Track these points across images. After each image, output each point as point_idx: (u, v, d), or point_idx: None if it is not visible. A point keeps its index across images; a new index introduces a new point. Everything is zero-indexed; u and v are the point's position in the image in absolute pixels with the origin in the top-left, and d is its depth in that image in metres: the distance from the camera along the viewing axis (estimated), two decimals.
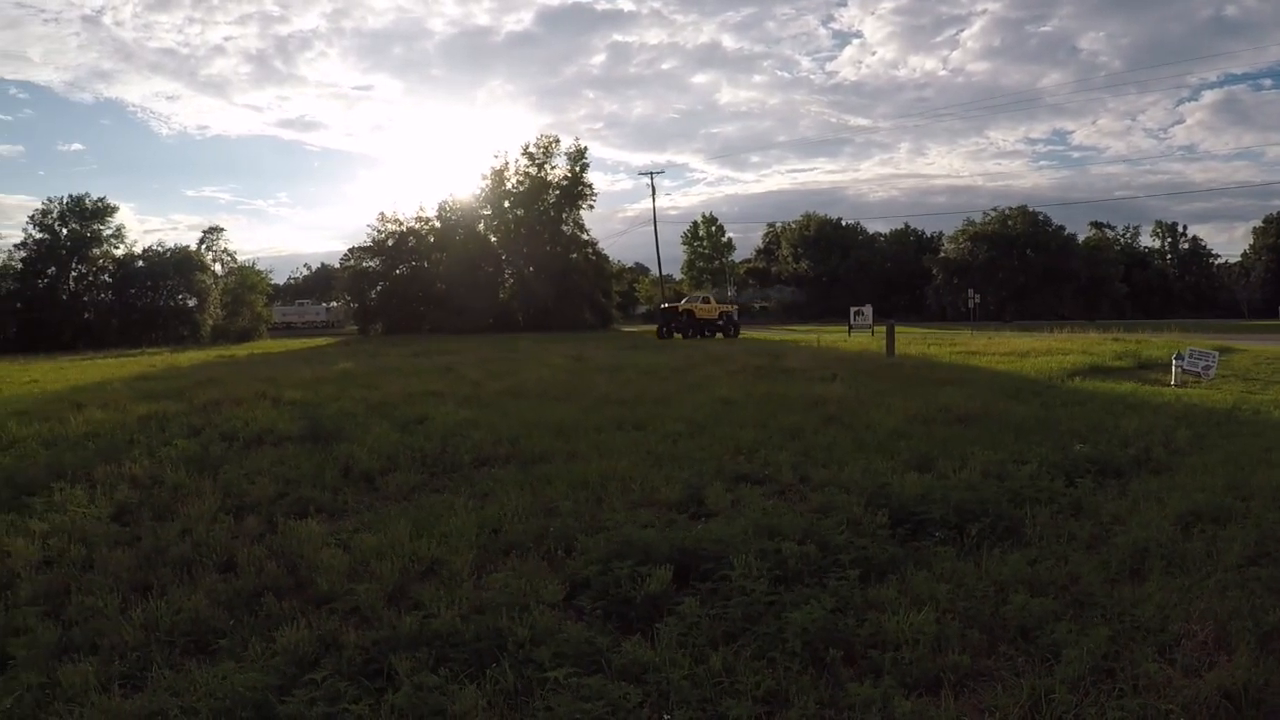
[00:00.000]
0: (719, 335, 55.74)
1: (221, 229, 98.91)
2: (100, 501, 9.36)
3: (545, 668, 5.02)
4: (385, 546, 7.36)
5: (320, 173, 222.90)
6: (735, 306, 66.02)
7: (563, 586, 6.33)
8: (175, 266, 78.59)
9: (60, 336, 66.23)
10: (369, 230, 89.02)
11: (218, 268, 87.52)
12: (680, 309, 59.19)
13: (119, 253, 78.08)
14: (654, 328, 59.81)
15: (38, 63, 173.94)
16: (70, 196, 76.21)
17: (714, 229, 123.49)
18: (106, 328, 71.21)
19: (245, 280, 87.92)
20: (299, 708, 4.67)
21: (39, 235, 74.59)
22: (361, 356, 36.61)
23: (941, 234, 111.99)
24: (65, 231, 74.88)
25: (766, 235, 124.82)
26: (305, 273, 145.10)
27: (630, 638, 5.51)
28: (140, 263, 78.54)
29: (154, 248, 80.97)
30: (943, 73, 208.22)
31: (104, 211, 77.29)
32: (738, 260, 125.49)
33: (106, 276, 77.21)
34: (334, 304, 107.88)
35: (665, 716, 4.61)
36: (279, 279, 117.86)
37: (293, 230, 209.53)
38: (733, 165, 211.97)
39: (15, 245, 74.31)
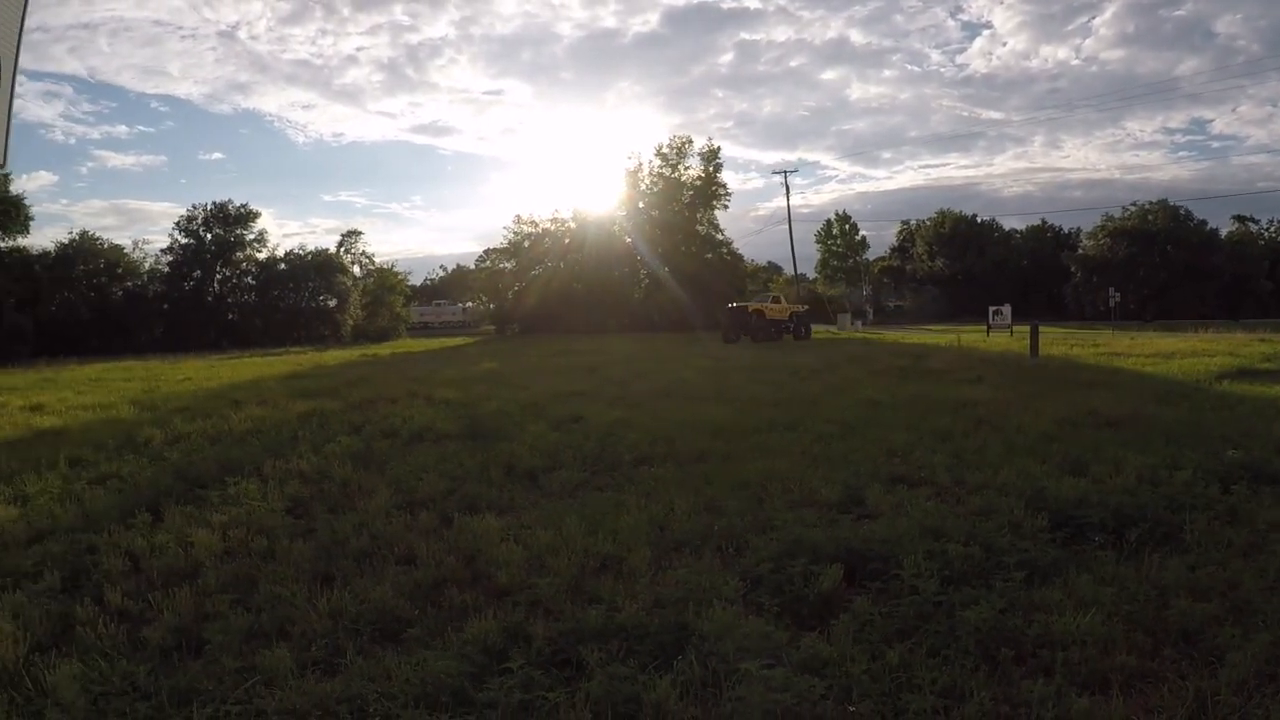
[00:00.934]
0: (788, 337, 52.88)
1: (359, 232, 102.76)
2: (273, 495, 9.74)
3: (730, 660, 5.08)
4: (560, 542, 7.49)
5: (454, 176, 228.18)
6: (806, 307, 61.37)
7: (739, 583, 6.37)
8: (316, 269, 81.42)
9: (205, 336, 69.20)
10: (505, 232, 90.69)
11: (357, 270, 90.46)
12: (750, 309, 55.04)
13: (261, 256, 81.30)
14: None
15: (177, 77, 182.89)
16: (213, 203, 79.77)
17: (847, 227, 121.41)
18: (250, 327, 74.16)
19: (384, 281, 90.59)
20: (496, 694, 4.78)
21: (184, 240, 78.22)
22: (503, 356, 37.33)
23: (1079, 230, 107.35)
24: (209, 237, 78.39)
25: (900, 233, 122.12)
26: (441, 274, 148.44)
27: (807, 633, 5.58)
28: (282, 265, 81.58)
29: (295, 251, 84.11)
30: (1075, 62, 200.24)
31: (246, 217, 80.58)
32: (871, 259, 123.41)
33: (249, 279, 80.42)
34: (469, 304, 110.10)
35: (850, 708, 4.66)
36: (415, 280, 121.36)
37: (428, 232, 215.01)
38: (864, 162, 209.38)
39: (162, 250, 78.10)
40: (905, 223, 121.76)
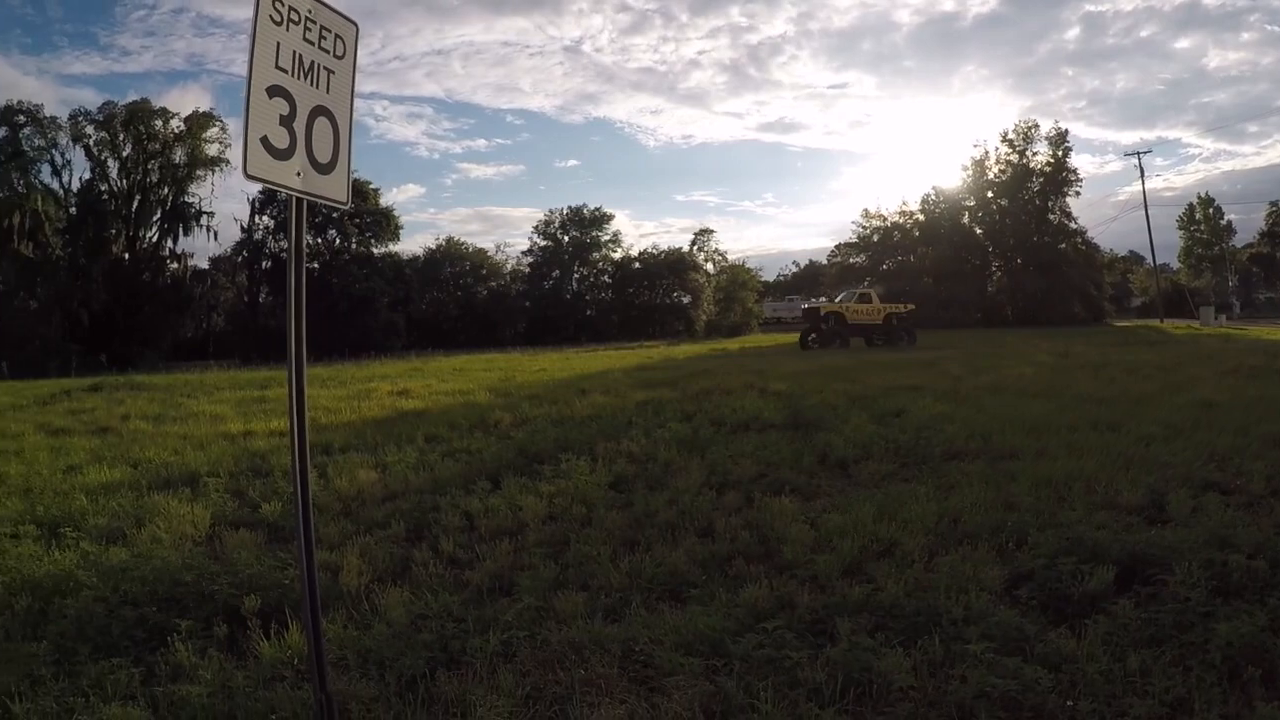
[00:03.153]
0: (879, 342, 45.92)
1: (711, 230, 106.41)
2: (600, 472, 10.69)
3: (972, 644, 5.26)
4: (849, 526, 7.85)
5: (803, 172, 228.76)
6: (910, 306, 50.96)
7: (1005, 576, 6.50)
8: (669, 267, 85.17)
9: (564, 331, 74.24)
10: (853, 226, 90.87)
11: (709, 267, 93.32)
12: (823, 311, 48.21)
13: (617, 256, 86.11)
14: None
15: (529, 92, 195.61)
16: (569, 207, 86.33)
17: (1210, 211, 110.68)
18: (607, 323, 78.76)
19: (736, 278, 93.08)
20: (747, 648, 5.32)
21: (543, 243, 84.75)
22: (846, 350, 37.42)
23: None
24: (566, 239, 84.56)
25: (1270, 216, 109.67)
26: (794, 269, 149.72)
27: (1057, 629, 5.62)
28: (637, 264, 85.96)
29: (649, 250, 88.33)
30: None
31: (601, 219, 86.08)
32: (1239, 245, 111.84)
33: (606, 277, 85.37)
34: (822, 299, 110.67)
35: (1069, 703, 4.70)
36: (768, 276, 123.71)
37: (779, 229, 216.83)
38: (1229, 137, 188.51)
39: (523, 252, 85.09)
40: (1274, 204, 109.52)
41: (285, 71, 4.18)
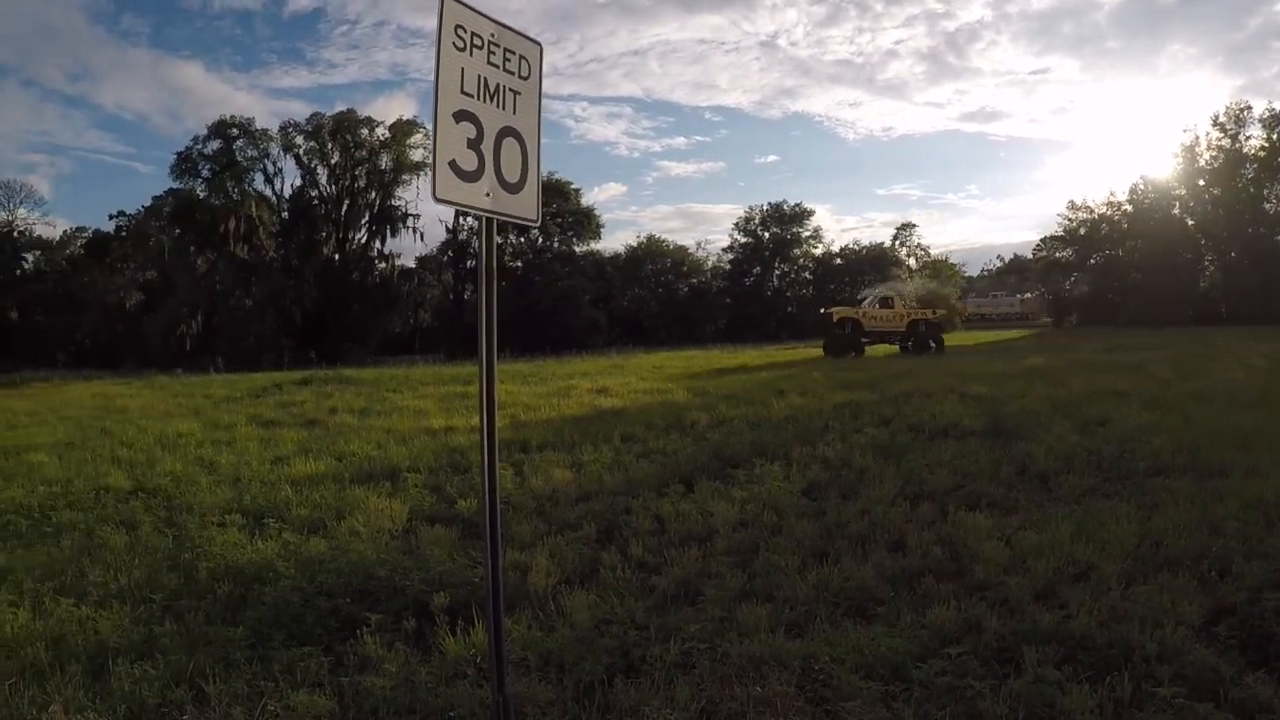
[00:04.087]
0: (908, 347, 43.18)
1: (913, 225, 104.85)
2: (794, 478, 10.69)
3: (1161, 684, 5.00)
4: (1044, 545, 7.56)
5: (1006, 162, 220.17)
6: (941, 312, 47.95)
7: (1205, 609, 6.10)
8: (871, 263, 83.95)
9: (764, 328, 74.18)
10: (1059, 219, 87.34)
11: (911, 262, 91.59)
12: (836, 317, 44.92)
13: (818, 252, 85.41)
14: None
15: (726, 88, 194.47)
16: (769, 204, 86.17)
17: None
18: (808, 319, 77.87)
19: (938, 273, 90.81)
20: (929, 675, 5.21)
21: (743, 239, 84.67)
22: (1051, 350, 36.07)
23: None
24: (767, 235, 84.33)
25: None
26: (998, 264, 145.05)
27: (1256, 672, 5.22)
28: (838, 260, 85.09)
29: (850, 246, 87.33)
30: None
31: (801, 215, 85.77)
32: None
33: (806, 274, 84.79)
34: (1027, 295, 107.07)
35: None
36: (971, 271, 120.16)
37: (983, 222, 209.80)
38: None
39: (724, 248, 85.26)
40: None
41: (471, 96, 4.33)
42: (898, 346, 43.98)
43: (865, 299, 48.59)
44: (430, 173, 4.20)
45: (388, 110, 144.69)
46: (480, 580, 6.83)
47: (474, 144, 4.32)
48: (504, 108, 4.54)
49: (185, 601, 7.10)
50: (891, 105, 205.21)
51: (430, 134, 4.20)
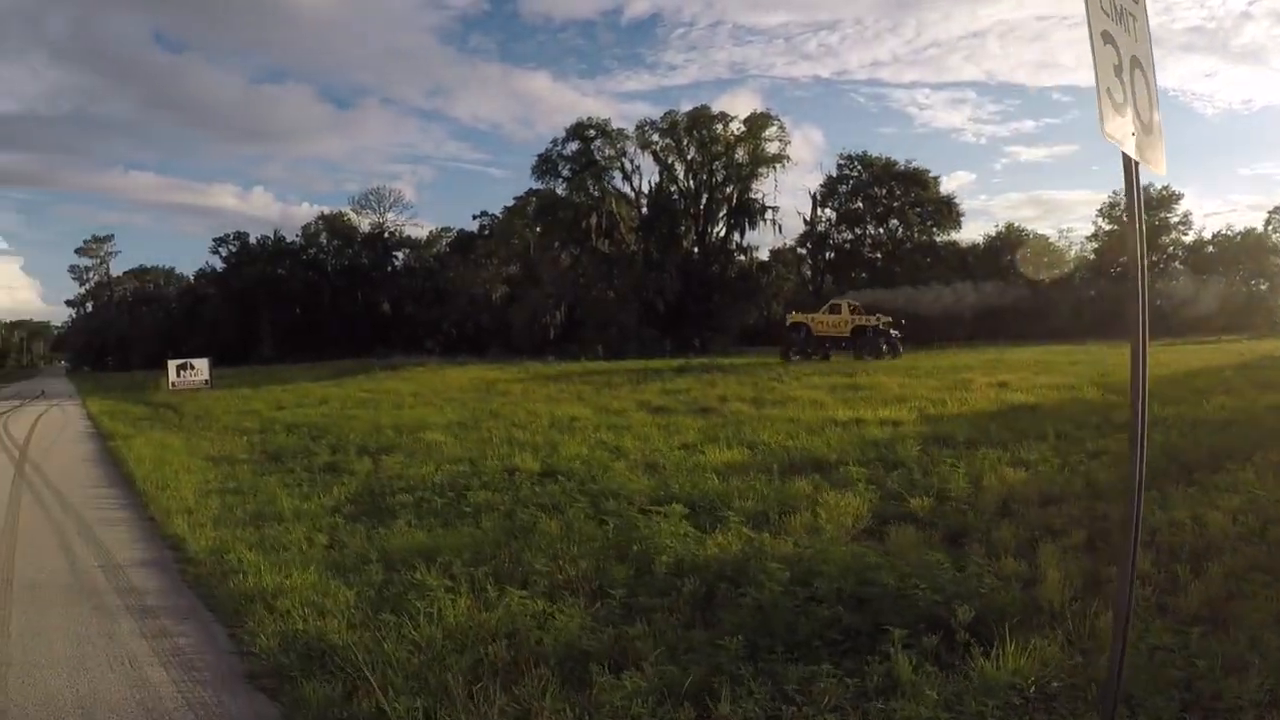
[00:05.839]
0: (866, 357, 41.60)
1: None
2: (1269, 485, 9.22)
3: None
4: None
5: None
6: (887, 319, 45.97)
7: None
8: (1247, 250, 76.20)
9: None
10: None
11: None
12: (791, 321, 47.48)
13: (1188, 239, 78.47)
14: None
15: (1071, 66, 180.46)
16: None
17: None
18: (1180, 313, 71.67)
19: None
20: None
21: (1108, 226, 78.30)
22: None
23: None
24: None
25: None
26: None
27: None
28: (1210, 248, 77.84)
29: (1224, 232, 79.48)
30: None
31: (1168, 199, 78.29)
32: None
33: (1176, 264, 77.99)
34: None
35: None
36: None
37: None
38: None
39: (1087, 237, 79.40)
40: None
41: (1109, 16, 3.50)
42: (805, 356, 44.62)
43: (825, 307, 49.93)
44: (1095, 103, 3.37)
45: (732, 108, 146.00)
46: (990, 592, 6.11)
47: (1118, 72, 3.47)
48: (1130, 33, 3.69)
49: (644, 598, 6.66)
50: (1249, 73, 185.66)
51: (1093, 70, 3.36)
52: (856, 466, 11.01)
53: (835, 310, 47.45)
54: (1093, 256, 77.87)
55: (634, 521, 8.61)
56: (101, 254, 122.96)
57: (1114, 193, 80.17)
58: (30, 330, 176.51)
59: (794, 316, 48.90)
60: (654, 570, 7.26)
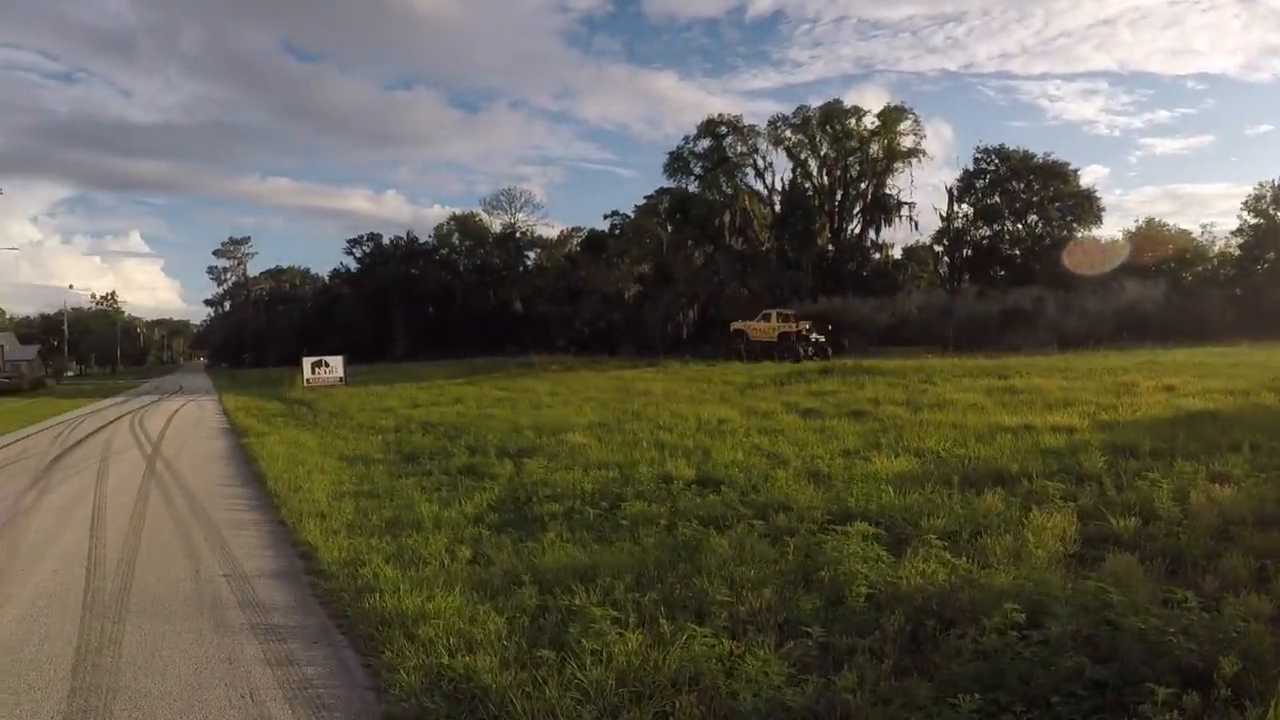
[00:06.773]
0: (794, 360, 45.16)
1: None
2: None
3: None
4: None
5: None
6: (806, 325, 53.05)
7: None
8: None
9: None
10: None
11: None
12: (734, 328, 54.62)
13: None
14: None
15: (1205, 52, 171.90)
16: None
17: None
18: None
19: None
20: None
21: (1254, 220, 73.80)
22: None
23: None
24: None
25: None
26: None
27: None
28: None
29: None
30: None
31: None
32: None
33: None
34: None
35: None
36: None
37: None
38: None
39: (1231, 232, 74.97)
40: None
41: None
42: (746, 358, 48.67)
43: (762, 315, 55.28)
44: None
45: (860, 103, 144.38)
46: (1241, 636, 5.16)
47: None
48: None
49: (842, 637, 5.86)
50: None
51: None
52: (1044, 480, 10.02)
53: (766, 319, 53.87)
54: (1238, 252, 73.49)
55: (815, 541, 7.79)
56: (239, 255, 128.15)
57: (1259, 183, 75.67)
58: (171, 328, 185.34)
59: (737, 325, 55.38)
60: (846, 601, 6.47)
